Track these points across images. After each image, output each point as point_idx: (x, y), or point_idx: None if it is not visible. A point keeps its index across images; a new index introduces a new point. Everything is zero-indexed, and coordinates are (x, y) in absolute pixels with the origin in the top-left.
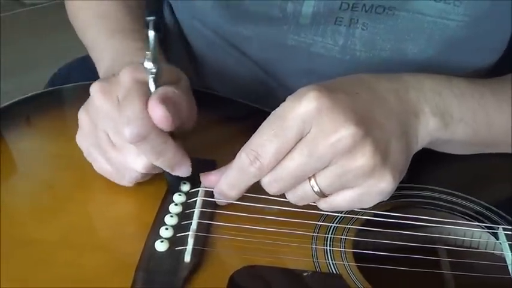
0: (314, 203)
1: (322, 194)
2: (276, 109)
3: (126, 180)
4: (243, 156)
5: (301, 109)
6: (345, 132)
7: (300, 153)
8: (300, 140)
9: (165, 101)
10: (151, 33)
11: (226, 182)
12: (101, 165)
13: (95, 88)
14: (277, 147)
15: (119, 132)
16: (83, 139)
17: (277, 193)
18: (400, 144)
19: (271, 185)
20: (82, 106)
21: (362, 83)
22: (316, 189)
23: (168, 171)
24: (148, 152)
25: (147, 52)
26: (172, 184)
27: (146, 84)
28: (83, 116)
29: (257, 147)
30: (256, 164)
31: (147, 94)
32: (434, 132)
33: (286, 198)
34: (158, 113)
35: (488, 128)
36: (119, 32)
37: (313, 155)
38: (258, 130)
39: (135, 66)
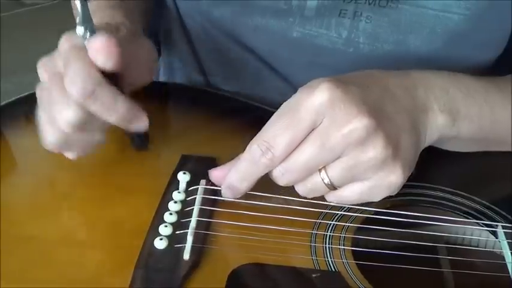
0: (323, 195)
1: (332, 186)
2: (288, 100)
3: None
4: (254, 148)
5: (314, 100)
6: (357, 124)
7: (312, 144)
8: (312, 131)
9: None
10: (77, 1)
11: (237, 175)
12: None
13: (38, 64)
14: (289, 138)
15: (52, 101)
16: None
17: (287, 184)
18: (410, 139)
19: (282, 176)
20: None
21: (372, 78)
22: (326, 181)
23: (124, 127)
24: (100, 109)
25: (77, 18)
26: (136, 142)
27: (84, 48)
28: (37, 91)
29: (269, 138)
30: (268, 155)
31: (87, 56)
32: (442, 128)
33: (287, 195)
34: (98, 43)
35: (493, 125)
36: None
37: (325, 146)
38: (269, 121)
39: (70, 34)
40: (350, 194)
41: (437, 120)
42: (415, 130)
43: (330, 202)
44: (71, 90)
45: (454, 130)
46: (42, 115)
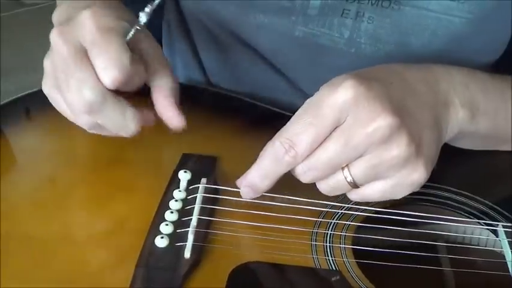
0: (345, 193)
1: (355, 185)
2: (310, 98)
3: (80, 119)
4: (277, 145)
5: (338, 98)
6: (382, 122)
7: (336, 142)
8: (335, 128)
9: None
10: None
11: (259, 172)
12: (60, 105)
13: (54, 33)
14: (313, 136)
15: (71, 75)
16: (45, 82)
17: (310, 182)
18: (432, 135)
19: (304, 174)
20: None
21: (394, 73)
22: (349, 179)
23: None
24: (130, 90)
25: (149, 5)
26: None
27: (112, 29)
28: (46, 62)
29: (292, 136)
30: (291, 152)
31: (119, 40)
32: (462, 123)
33: (288, 194)
34: (175, 121)
35: (507, 123)
36: None
37: (348, 144)
38: (292, 119)
39: (94, 11)
40: (372, 192)
41: (458, 115)
42: (437, 126)
43: (353, 200)
44: (103, 78)
45: (473, 125)
46: (62, 86)
